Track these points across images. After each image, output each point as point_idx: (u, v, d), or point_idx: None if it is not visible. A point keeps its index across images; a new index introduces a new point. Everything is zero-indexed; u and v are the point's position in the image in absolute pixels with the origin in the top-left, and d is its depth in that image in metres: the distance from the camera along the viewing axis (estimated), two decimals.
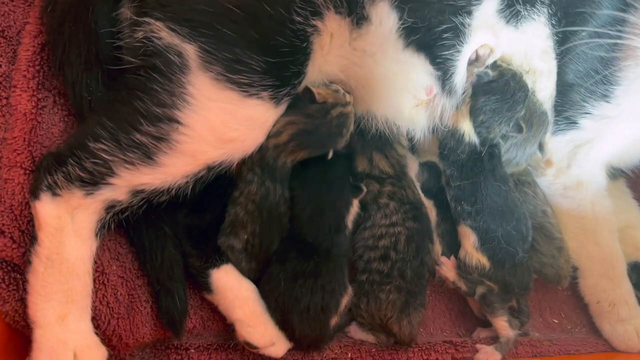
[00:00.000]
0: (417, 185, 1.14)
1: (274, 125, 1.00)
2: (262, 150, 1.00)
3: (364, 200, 1.09)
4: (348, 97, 1.04)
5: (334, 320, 1.01)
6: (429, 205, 1.12)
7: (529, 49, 1.09)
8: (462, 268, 1.06)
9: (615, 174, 1.24)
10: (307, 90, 1.00)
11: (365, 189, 1.08)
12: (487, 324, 1.11)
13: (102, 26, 0.96)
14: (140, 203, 0.91)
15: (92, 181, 0.87)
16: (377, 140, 1.10)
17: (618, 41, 1.03)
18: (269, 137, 1.00)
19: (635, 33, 1.02)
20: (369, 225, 1.09)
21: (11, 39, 0.99)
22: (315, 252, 1.02)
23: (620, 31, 1.03)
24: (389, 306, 1.02)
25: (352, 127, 1.07)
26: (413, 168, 1.16)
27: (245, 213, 1.02)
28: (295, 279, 1.00)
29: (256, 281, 1.04)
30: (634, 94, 1.07)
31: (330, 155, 1.07)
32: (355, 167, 1.14)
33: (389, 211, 1.08)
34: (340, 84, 1.05)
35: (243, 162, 1.01)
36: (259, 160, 1.02)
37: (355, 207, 1.08)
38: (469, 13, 1.01)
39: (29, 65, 0.97)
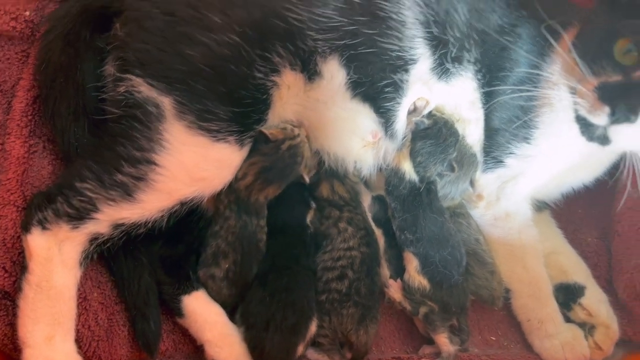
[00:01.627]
0: (369, 215, 1.25)
1: (240, 169, 1.11)
2: (235, 191, 1.12)
3: (325, 229, 1.20)
4: (296, 131, 1.14)
5: (301, 347, 1.07)
6: (378, 234, 1.23)
7: (458, 100, 1.21)
8: (407, 289, 1.17)
9: (540, 206, 1.34)
10: (260, 133, 1.10)
11: (314, 205, 1.20)
12: (431, 342, 1.20)
13: (89, 82, 1.09)
14: (120, 235, 1.01)
15: (78, 216, 0.98)
16: (334, 170, 1.22)
17: (534, 93, 1.16)
18: (238, 180, 1.11)
19: (548, 85, 1.15)
20: (329, 249, 1.18)
21: (6, 92, 1.11)
22: (286, 266, 1.12)
23: (536, 84, 1.17)
24: (348, 319, 1.10)
25: (307, 155, 1.16)
26: (366, 200, 1.27)
27: (227, 244, 1.11)
28: (273, 296, 1.08)
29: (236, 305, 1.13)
30: (550, 136, 1.18)
31: (307, 180, 1.19)
32: (320, 193, 1.24)
33: (347, 235, 1.18)
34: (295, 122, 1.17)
35: (219, 200, 1.12)
36: (234, 199, 1.12)
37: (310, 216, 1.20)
38: (406, 71, 1.13)
39: (22, 115, 1.09)
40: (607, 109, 1.00)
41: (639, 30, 0.99)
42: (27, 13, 1.15)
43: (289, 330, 1.06)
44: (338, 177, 1.24)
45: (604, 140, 1.05)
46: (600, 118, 1.02)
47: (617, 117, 0.99)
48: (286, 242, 1.17)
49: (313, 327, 1.10)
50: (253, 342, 1.07)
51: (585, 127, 1.07)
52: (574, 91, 1.07)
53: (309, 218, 1.22)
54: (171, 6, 1.03)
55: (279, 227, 1.16)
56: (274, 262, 1.14)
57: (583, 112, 1.05)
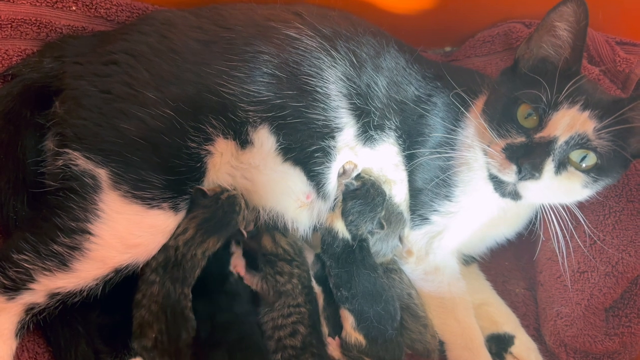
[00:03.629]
0: (312, 273, 1.29)
1: (179, 226, 1.14)
2: (167, 250, 1.13)
3: (281, 287, 1.22)
4: (232, 186, 1.20)
5: None
6: (318, 292, 1.26)
7: (383, 163, 1.29)
8: (344, 346, 1.20)
9: (468, 260, 1.42)
10: (198, 189, 1.15)
11: (245, 233, 1.22)
12: None
13: (29, 157, 1.13)
14: (56, 304, 1.03)
15: (14, 287, 1.00)
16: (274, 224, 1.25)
17: (451, 154, 1.26)
18: (178, 235, 1.14)
19: (464, 147, 1.25)
20: (278, 307, 1.20)
21: None
22: (227, 321, 1.15)
23: (452, 146, 1.26)
24: None
25: (244, 205, 1.20)
26: (310, 258, 1.31)
27: (150, 314, 1.10)
28: (232, 352, 1.11)
29: None
30: (469, 193, 1.26)
31: (245, 235, 1.21)
32: (264, 247, 1.27)
33: (297, 293, 1.21)
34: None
35: (147, 263, 1.12)
36: (163, 260, 1.12)
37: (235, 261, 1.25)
38: (333, 137, 1.22)
39: None
40: (514, 167, 1.10)
41: (535, 98, 1.10)
42: None
43: None
44: (279, 230, 1.27)
45: (515, 195, 1.15)
46: (508, 176, 1.11)
47: (523, 174, 1.08)
48: (213, 299, 1.19)
49: None
50: None
51: (498, 184, 1.16)
52: (486, 148, 1.16)
53: (232, 264, 1.25)
54: (108, 84, 1.10)
55: (201, 287, 1.18)
56: (214, 322, 1.16)
57: (494, 171, 1.15)
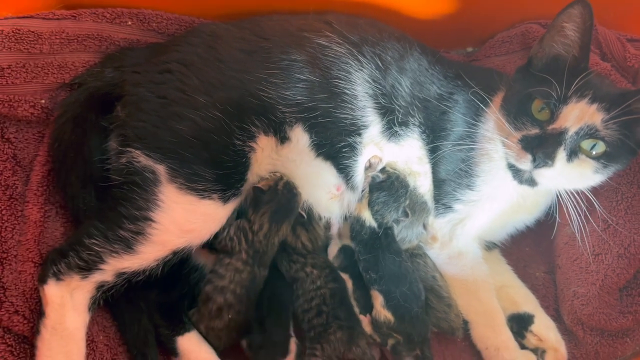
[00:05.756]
0: (336, 264, 1.39)
1: (255, 224, 1.27)
2: (254, 245, 1.27)
3: (294, 273, 1.34)
4: (279, 174, 1.31)
5: None
6: (345, 278, 1.37)
7: (408, 157, 1.39)
8: (375, 324, 1.31)
9: (490, 246, 1.50)
10: (255, 188, 1.27)
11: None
12: None
13: (95, 155, 1.26)
14: (123, 282, 1.16)
15: (87, 267, 1.13)
16: (300, 217, 1.34)
17: (473, 147, 1.35)
18: (256, 232, 1.27)
19: (485, 140, 1.34)
20: (301, 293, 1.31)
21: (25, 167, 1.27)
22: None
23: (473, 139, 1.35)
24: (338, 343, 1.23)
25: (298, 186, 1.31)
26: (333, 252, 1.41)
27: (234, 297, 1.22)
28: None
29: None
30: (489, 182, 1.34)
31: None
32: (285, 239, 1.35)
33: (314, 277, 1.31)
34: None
35: (236, 257, 1.26)
36: (253, 253, 1.26)
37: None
38: (359, 135, 1.32)
39: (39, 186, 1.24)
40: (529, 157, 1.19)
41: (546, 94, 1.19)
42: (43, 101, 1.31)
43: None
44: (303, 224, 1.36)
45: (531, 182, 1.23)
46: (525, 164, 1.21)
47: (538, 162, 1.17)
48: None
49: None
50: None
51: (515, 172, 1.25)
52: (504, 140, 1.26)
53: None
54: (163, 90, 1.23)
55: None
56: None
57: (512, 160, 1.24)
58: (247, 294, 1.24)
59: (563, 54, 1.24)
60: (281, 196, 1.29)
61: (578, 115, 1.17)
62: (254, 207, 1.30)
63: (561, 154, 1.17)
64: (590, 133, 1.16)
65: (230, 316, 1.22)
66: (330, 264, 1.38)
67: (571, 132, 1.17)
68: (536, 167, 1.18)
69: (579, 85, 1.16)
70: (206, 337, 1.26)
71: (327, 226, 1.41)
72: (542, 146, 1.17)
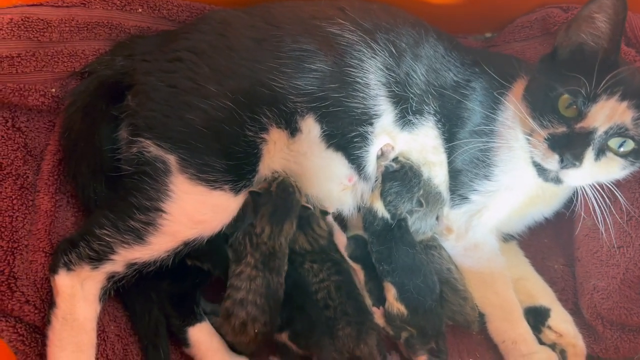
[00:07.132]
0: (346, 254, 1.37)
1: (257, 227, 1.26)
2: (259, 247, 1.25)
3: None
4: (275, 174, 1.29)
5: None
6: (357, 268, 1.35)
7: (423, 146, 1.36)
8: (388, 316, 1.30)
9: (507, 238, 1.47)
10: (251, 192, 1.25)
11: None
12: None
13: (106, 145, 1.25)
14: (133, 273, 1.15)
15: (98, 258, 1.12)
16: (299, 219, 1.32)
17: (491, 135, 1.31)
18: (259, 235, 1.26)
19: (504, 128, 1.31)
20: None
21: (36, 156, 1.27)
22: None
23: (492, 128, 1.32)
24: (347, 339, 1.23)
25: (294, 183, 1.30)
26: (342, 241, 1.40)
27: (256, 309, 1.19)
28: None
29: None
30: (508, 172, 1.31)
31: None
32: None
33: (315, 271, 1.30)
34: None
35: (246, 264, 1.23)
36: (260, 256, 1.24)
37: None
38: (371, 124, 1.30)
39: (49, 175, 1.24)
40: (556, 157, 1.16)
41: (574, 92, 1.15)
42: (53, 90, 1.31)
43: None
44: (300, 227, 1.34)
45: (557, 181, 1.21)
46: (551, 165, 1.18)
47: (565, 163, 1.14)
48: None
49: None
50: None
51: (541, 170, 1.23)
52: (529, 137, 1.22)
53: None
54: (174, 79, 1.22)
55: None
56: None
57: (538, 159, 1.21)
58: (267, 302, 1.21)
59: (591, 45, 1.18)
60: (276, 197, 1.28)
61: (608, 114, 1.13)
62: (254, 211, 1.29)
63: (589, 154, 1.15)
64: (620, 132, 1.13)
65: (256, 330, 1.19)
66: (332, 257, 1.34)
67: (600, 131, 1.14)
68: (563, 167, 1.16)
69: (609, 83, 1.12)
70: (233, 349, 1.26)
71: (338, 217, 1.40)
72: (570, 146, 1.14)
